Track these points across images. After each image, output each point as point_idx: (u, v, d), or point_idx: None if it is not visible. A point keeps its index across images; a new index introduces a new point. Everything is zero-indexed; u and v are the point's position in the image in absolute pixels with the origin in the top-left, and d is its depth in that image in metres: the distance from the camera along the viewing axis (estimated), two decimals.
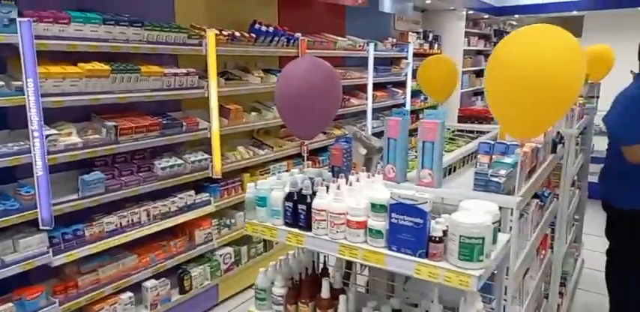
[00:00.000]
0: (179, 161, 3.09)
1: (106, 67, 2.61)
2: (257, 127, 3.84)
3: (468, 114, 2.71)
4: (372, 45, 5.12)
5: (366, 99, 5.16)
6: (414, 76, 6.00)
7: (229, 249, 3.46)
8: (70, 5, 2.65)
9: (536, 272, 2.17)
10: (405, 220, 1.11)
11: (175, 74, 2.99)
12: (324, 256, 1.41)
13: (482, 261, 1.03)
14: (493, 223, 1.10)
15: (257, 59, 3.95)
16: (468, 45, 7.36)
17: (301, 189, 1.27)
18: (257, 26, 3.58)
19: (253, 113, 3.74)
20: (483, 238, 1.02)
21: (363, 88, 5.31)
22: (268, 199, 1.33)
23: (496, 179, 1.29)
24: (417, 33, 6.29)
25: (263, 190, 1.34)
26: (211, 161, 3.28)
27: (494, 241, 1.13)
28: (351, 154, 1.46)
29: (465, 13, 6.83)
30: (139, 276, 2.85)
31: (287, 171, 4.12)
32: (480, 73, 7.86)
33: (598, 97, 3.50)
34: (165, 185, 2.98)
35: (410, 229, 1.10)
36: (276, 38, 3.69)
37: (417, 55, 6.13)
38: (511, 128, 1.26)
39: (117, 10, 2.85)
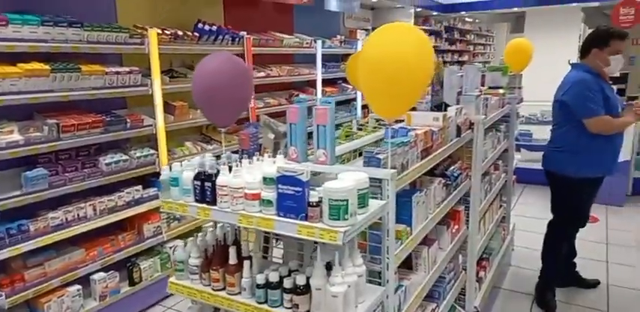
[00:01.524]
0: (124, 157, 3.21)
1: (46, 66, 2.71)
2: (205, 123, 3.99)
3: None
4: (319, 42, 5.33)
5: (316, 94, 5.37)
6: None
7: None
8: (9, 7, 2.74)
9: (447, 244, 2.41)
10: (288, 190, 1.31)
11: (118, 73, 3.11)
12: (235, 229, 1.60)
13: (347, 219, 1.24)
14: (361, 190, 1.32)
15: (203, 57, 4.09)
16: None
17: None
18: (201, 25, 3.72)
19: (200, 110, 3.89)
20: (347, 200, 1.23)
21: (313, 83, 5.52)
22: (180, 179, 1.50)
23: (378, 156, 1.51)
24: (367, 30, 6.54)
25: (176, 171, 1.52)
26: (157, 157, 3.41)
27: (364, 204, 1.34)
28: (257, 138, 1.65)
29: (413, 10, 7.13)
30: (87, 269, 2.97)
31: None
32: None
33: (520, 87, 3.79)
34: (111, 180, 3.10)
35: (292, 197, 1.30)
36: (221, 37, 3.85)
37: None
38: (379, 110, 1.47)
39: (58, 11, 2.95)
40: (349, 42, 5.91)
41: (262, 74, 4.50)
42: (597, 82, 2.98)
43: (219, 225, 1.63)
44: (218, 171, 1.44)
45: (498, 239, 3.65)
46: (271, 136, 1.69)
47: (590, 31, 9.06)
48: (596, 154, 3.02)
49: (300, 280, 1.35)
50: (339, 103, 6.08)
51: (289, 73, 4.90)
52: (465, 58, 10.46)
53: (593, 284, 3.54)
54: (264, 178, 1.36)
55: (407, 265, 2.14)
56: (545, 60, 7.09)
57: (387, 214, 1.48)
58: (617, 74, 4.41)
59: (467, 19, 11.03)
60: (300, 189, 1.29)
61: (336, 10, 5.52)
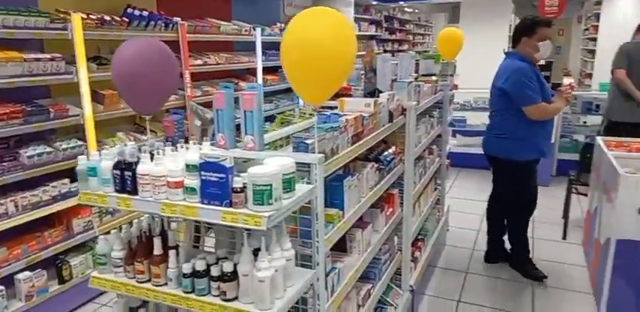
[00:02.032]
0: (49, 149, 3.03)
1: None
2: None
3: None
4: (259, 30, 5.25)
5: (257, 82, 5.30)
6: None
7: None
8: None
9: (381, 227, 2.49)
10: (212, 177, 1.29)
11: (38, 60, 2.92)
12: (161, 220, 1.56)
13: (272, 204, 1.24)
14: (287, 174, 1.32)
15: None
16: (359, 30, 7.76)
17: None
18: (130, 10, 3.55)
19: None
20: (271, 185, 1.23)
21: (254, 71, 5.45)
22: (98, 169, 1.44)
23: (306, 141, 1.51)
24: None
25: (94, 161, 1.45)
26: (87, 148, 3.24)
27: (290, 188, 1.35)
28: (183, 125, 1.61)
29: None
30: (10, 268, 2.80)
31: None
32: None
33: (452, 75, 3.94)
34: (35, 174, 2.92)
35: (216, 184, 1.29)
36: (153, 22, 3.69)
37: None
38: (305, 96, 1.48)
39: None
40: None
41: (199, 62, 4.38)
42: (532, 69, 3.14)
43: (145, 216, 1.58)
44: (139, 159, 1.39)
45: (433, 221, 3.81)
46: (198, 122, 1.65)
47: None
48: (534, 139, 3.22)
49: (227, 267, 1.35)
50: (281, 92, 6.05)
51: (228, 61, 4.80)
52: (405, 47, 10.69)
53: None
54: (187, 166, 1.33)
55: (342, 247, 2.18)
56: (479, 49, 7.40)
57: (316, 199, 1.50)
58: (543, 62, 4.70)
59: (406, 9, 11.26)
60: (223, 175, 1.27)
61: None
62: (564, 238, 4.19)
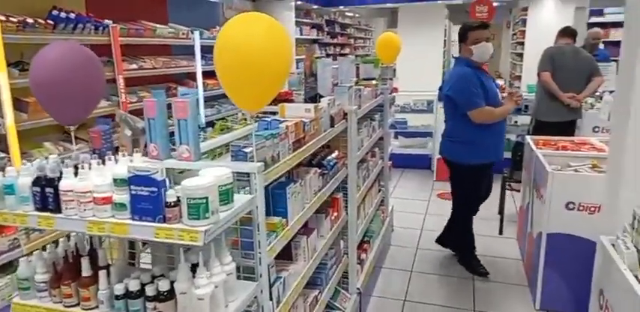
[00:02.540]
0: None
1: None
2: None
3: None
4: (197, 33, 5.11)
5: (197, 87, 5.16)
6: None
7: None
8: None
9: (327, 232, 2.48)
10: (142, 191, 1.21)
11: None
12: (90, 238, 1.46)
13: (208, 218, 1.19)
14: (224, 186, 1.28)
15: None
16: (301, 34, 7.76)
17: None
18: (56, 12, 3.33)
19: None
20: (207, 198, 1.18)
21: (193, 76, 5.30)
22: (15, 186, 1.32)
23: (244, 150, 1.47)
24: None
25: (10, 177, 1.33)
26: (9, 160, 3.00)
27: (228, 200, 1.30)
28: (111, 136, 1.52)
29: (293, 3, 7.16)
30: None
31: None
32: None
33: (391, 78, 4.02)
34: None
35: (148, 198, 1.22)
36: (81, 25, 3.49)
37: None
38: (240, 103, 1.44)
39: None
40: None
41: (134, 66, 4.19)
42: (476, 74, 3.22)
43: (71, 234, 1.47)
44: (62, 174, 1.29)
45: (378, 222, 3.86)
46: (128, 132, 1.56)
47: (454, 27, 9.89)
48: (482, 143, 3.27)
49: (164, 286, 1.27)
50: (223, 96, 5.92)
51: (165, 65, 4.63)
52: (347, 51, 10.84)
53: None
54: (115, 180, 1.25)
55: (287, 255, 2.15)
56: (417, 53, 7.63)
57: (256, 209, 1.46)
58: None
59: (347, 13, 11.43)
60: (155, 189, 1.20)
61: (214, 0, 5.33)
62: (500, 233, 4.39)
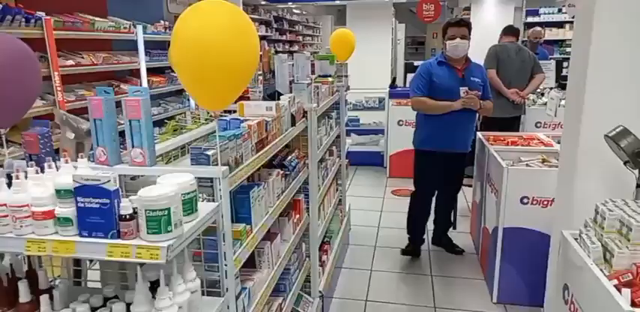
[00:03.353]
0: None
1: None
2: None
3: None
4: (140, 27, 4.81)
5: (141, 84, 4.86)
6: None
7: None
8: None
9: (290, 235, 2.37)
10: (92, 203, 1.06)
11: None
12: (28, 257, 1.27)
13: (171, 231, 1.05)
14: (187, 194, 1.14)
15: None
16: None
17: None
18: None
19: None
20: (169, 209, 1.04)
21: (137, 73, 4.99)
22: None
23: (207, 152, 1.33)
24: None
25: None
26: None
27: (192, 210, 1.17)
28: (50, 139, 1.33)
29: None
30: None
31: None
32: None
33: (346, 75, 3.96)
34: None
35: (98, 211, 1.06)
36: (9, 17, 3.15)
37: None
38: (202, 102, 1.30)
39: None
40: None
41: (71, 62, 3.86)
42: (437, 67, 3.42)
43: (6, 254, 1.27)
44: None
45: (337, 221, 3.80)
46: (71, 135, 1.37)
47: (400, 25, 9.98)
48: (426, 130, 3.53)
49: (118, 310, 1.12)
50: (169, 94, 5.64)
51: (106, 62, 4.31)
52: (296, 47, 10.73)
53: (460, 251, 3.97)
54: (58, 191, 1.08)
55: (250, 263, 2.03)
56: (367, 51, 7.64)
57: (222, 217, 1.33)
58: None
59: (295, 10, 11.30)
60: (106, 201, 1.05)
61: None
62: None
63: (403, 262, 3.83)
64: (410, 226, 3.89)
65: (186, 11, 1.26)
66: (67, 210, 1.08)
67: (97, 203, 1.05)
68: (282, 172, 2.18)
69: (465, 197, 5.10)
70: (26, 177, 1.15)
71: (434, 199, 3.84)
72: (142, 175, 1.35)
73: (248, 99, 2.55)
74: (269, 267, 2.05)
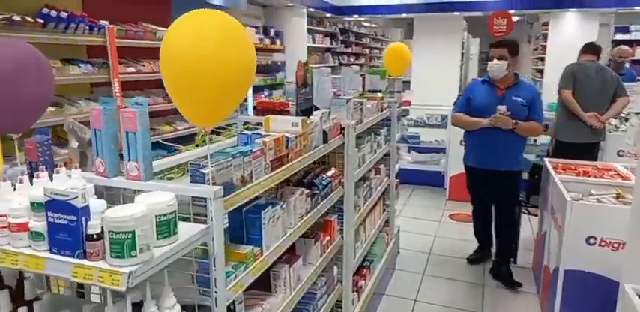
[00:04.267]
0: None
1: None
2: (58, 124, 3.44)
3: (264, 106, 2.69)
4: None
5: None
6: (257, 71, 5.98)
7: None
8: None
9: (316, 258, 2.23)
10: (60, 219, 0.99)
11: None
12: None
13: (135, 256, 0.96)
14: (164, 215, 1.04)
15: (55, 48, 3.53)
16: (313, 42, 7.58)
17: None
18: (46, 11, 3.18)
19: (51, 108, 3.33)
20: (133, 232, 0.95)
21: None
22: None
23: (202, 170, 1.24)
24: (257, 28, 6.26)
25: None
26: None
27: (169, 233, 1.07)
28: (49, 148, 1.31)
29: (305, 10, 6.99)
30: None
31: None
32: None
33: (400, 91, 3.78)
34: None
35: (66, 228, 0.99)
36: (74, 25, 3.34)
37: (257, 50, 6.08)
38: (192, 117, 1.21)
39: None
40: None
41: (132, 69, 4.02)
42: (479, 85, 3.55)
43: None
44: None
45: (381, 244, 3.58)
46: (75, 144, 1.34)
47: (474, 39, 9.57)
48: (469, 146, 3.67)
49: None
50: None
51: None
52: (362, 60, 10.64)
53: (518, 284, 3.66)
54: (32, 204, 1.03)
55: (266, 286, 1.91)
56: (433, 66, 7.38)
57: (213, 240, 1.22)
58: None
59: (364, 23, 11.26)
60: (73, 218, 0.98)
61: (220, 4, 5.18)
62: (515, 262, 4.05)
63: (452, 295, 3.52)
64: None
65: (175, 21, 1.17)
66: (40, 224, 1.02)
67: (64, 220, 0.98)
68: (307, 191, 2.05)
69: (531, 227, 4.65)
70: (14, 186, 1.11)
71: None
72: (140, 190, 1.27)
73: (286, 113, 2.46)
74: (285, 292, 1.91)
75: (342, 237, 2.60)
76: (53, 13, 3.16)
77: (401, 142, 6.22)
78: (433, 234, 4.73)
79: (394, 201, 3.96)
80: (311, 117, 2.10)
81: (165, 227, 1.05)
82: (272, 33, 6.57)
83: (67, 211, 0.98)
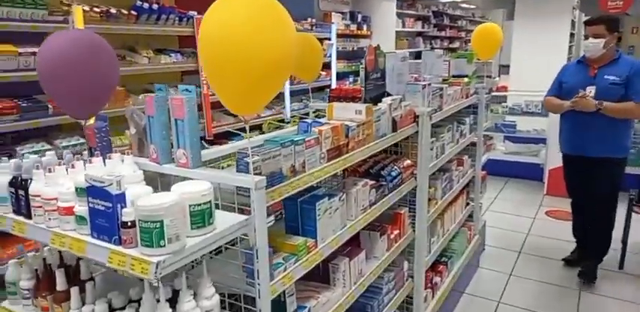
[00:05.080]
0: (47, 146, 2.92)
1: None
2: None
3: (337, 94, 2.60)
4: None
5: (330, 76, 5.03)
6: (339, 58, 5.90)
7: None
8: None
9: (381, 252, 2.12)
10: (99, 205, 1.01)
11: (34, 54, 2.79)
12: None
13: (163, 246, 0.94)
14: (198, 205, 1.02)
15: (149, 39, 3.76)
16: (403, 26, 7.27)
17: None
18: (139, 3, 3.38)
19: (142, 95, 3.56)
20: (162, 222, 0.93)
21: None
22: None
23: (247, 159, 1.20)
24: (343, 13, 6.15)
25: None
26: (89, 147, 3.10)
27: (203, 223, 1.04)
28: (107, 133, 1.35)
29: None
30: None
31: None
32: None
33: (490, 76, 3.46)
34: None
35: (104, 214, 1.00)
36: (164, 16, 3.51)
37: (343, 36, 6.01)
38: (230, 105, 1.14)
39: None
40: (322, 26, 5.53)
41: None
42: (572, 66, 3.36)
43: None
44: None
45: (462, 240, 3.35)
46: (133, 130, 1.38)
47: (585, 17, 8.58)
48: (562, 132, 3.40)
49: None
50: (312, 90, 5.74)
51: None
52: (457, 44, 10.02)
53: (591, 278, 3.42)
54: (77, 189, 1.06)
55: (325, 278, 1.85)
56: (535, 48, 6.70)
57: (254, 232, 1.18)
58: None
59: (463, 5, 10.57)
60: (109, 204, 0.99)
61: None
62: (621, 267, 3.58)
63: (543, 299, 3.20)
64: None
65: (212, 5, 1.11)
66: (83, 209, 1.05)
67: (102, 206, 1.00)
68: (371, 182, 1.94)
69: None
70: (67, 170, 1.16)
71: None
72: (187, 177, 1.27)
73: (360, 100, 2.35)
74: (344, 286, 1.84)
75: (414, 231, 2.46)
76: (146, 5, 3.35)
77: (495, 131, 5.78)
78: (526, 231, 4.35)
79: (479, 194, 3.68)
80: (378, 104, 1.98)
81: (200, 217, 1.03)
82: (359, 18, 6.41)
83: (104, 197, 0.99)
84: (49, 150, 2.85)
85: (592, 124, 3.12)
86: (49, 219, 1.10)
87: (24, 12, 2.70)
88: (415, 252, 2.51)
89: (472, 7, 11.08)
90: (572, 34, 7.17)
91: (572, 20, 7.11)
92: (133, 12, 3.28)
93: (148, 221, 0.92)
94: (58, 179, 1.11)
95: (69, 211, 1.07)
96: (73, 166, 1.16)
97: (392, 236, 2.23)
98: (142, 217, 0.93)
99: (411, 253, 2.51)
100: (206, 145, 1.75)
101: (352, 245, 1.99)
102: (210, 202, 1.04)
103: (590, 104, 3.02)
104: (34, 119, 2.81)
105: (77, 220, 1.06)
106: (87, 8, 2.98)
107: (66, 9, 2.91)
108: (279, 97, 5.15)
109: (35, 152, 2.84)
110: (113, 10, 3.15)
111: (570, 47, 7.27)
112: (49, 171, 1.12)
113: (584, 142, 3.21)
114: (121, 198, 0.99)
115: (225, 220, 1.12)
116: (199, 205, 1.02)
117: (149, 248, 0.94)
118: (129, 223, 0.97)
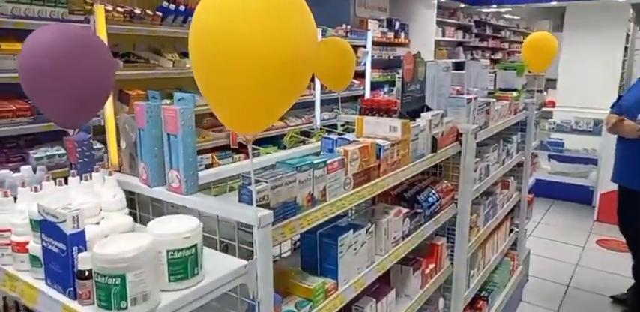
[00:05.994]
0: (62, 151, 2.77)
1: None
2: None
3: (370, 105, 2.34)
4: (319, 31, 4.75)
5: (314, 89, 4.80)
6: (374, 67, 5.64)
7: None
8: None
9: (415, 290, 1.83)
10: (52, 245, 0.77)
11: None
12: None
13: (125, 309, 0.69)
14: (179, 251, 0.77)
15: (175, 41, 3.60)
16: (443, 36, 6.95)
17: None
18: (165, 4, 3.23)
19: (167, 100, 3.40)
20: (123, 276, 0.68)
21: (312, 78, 4.97)
22: None
23: (250, 187, 0.94)
24: (380, 20, 5.89)
25: None
26: (106, 152, 2.95)
27: (185, 273, 0.79)
28: (90, 148, 1.13)
29: (435, 1, 6.41)
30: None
31: (211, 164, 3.84)
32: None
33: (540, 91, 3.11)
34: None
35: (58, 258, 0.77)
36: (190, 18, 3.34)
37: (379, 44, 5.74)
38: (228, 121, 0.88)
39: None
40: (357, 32, 5.28)
41: None
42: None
43: None
44: None
45: (505, 271, 3.00)
46: (123, 144, 1.16)
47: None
48: (616, 159, 2.96)
49: None
50: (345, 100, 5.50)
51: None
52: (499, 56, 9.56)
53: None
54: (31, 221, 0.83)
55: None
56: (585, 62, 6.27)
57: (256, 281, 0.92)
58: None
59: (506, 15, 10.13)
60: (63, 246, 0.75)
61: None
62: None
63: None
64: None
65: None
66: (38, 247, 0.82)
67: (56, 247, 0.76)
68: (405, 210, 1.65)
69: None
70: (36, 190, 0.94)
71: None
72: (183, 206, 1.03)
73: (394, 113, 2.08)
74: None
75: (452, 264, 2.15)
76: (172, 6, 3.19)
77: (539, 149, 5.37)
78: (574, 262, 3.92)
79: (524, 220, 3.31)
80: (417, 120, 1.70)
81: (181, 267, 0.78)
82: (397, 26, 6.13)
83: (57, 236, 0.76)
84: (63, 155, 2.74)
85: (630, 150, 2.82)
86: (2, 255, 0.88)
87: (43, 10, 2.57)
88: (452, 287, 2.20)
89: (516, 17, 10.61)
90: (625, 48, 6.67)
91: (627, 33, 6.61)
92: (158, 13, 3.13)
93: (105, 275, 0.68)
94: (18, 205, 0.89)
95: (22, 247, 0.85)
96: (36, 189, 0.94)
97: (427, 271, 1.93)
98: (97, 268, 0.69)
99: (448, 288, 2.21)
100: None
101: (380, 282, 1.71)
102: (195, 246, 0.79)
103: (633, 130, 2.70)
104: (49, 122, 2.66)
105: (31, 260, 0.84)
106: (110, 8, 2.84)
107: (88, 8, 2.77)
108: (310, 106, 4.93)
109: (49, 157, 2.70)
110: (137, 11, 3.00)
111: (623, 62, 6.76)
112: (4, 195, 0.89)
113: (622, 171, 2.92)
114: (79, 239, 0.75)
115: (218, 266, 0.87)
116: (180, 250, 0.77)
117: (106, 310, 0.70)
118: (86, 273, 0.73)
